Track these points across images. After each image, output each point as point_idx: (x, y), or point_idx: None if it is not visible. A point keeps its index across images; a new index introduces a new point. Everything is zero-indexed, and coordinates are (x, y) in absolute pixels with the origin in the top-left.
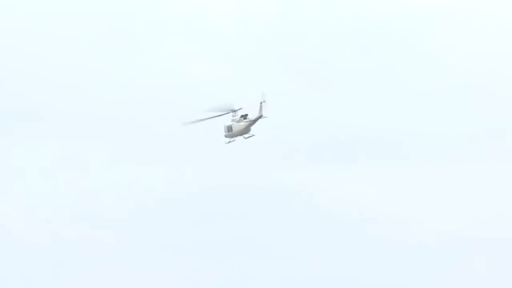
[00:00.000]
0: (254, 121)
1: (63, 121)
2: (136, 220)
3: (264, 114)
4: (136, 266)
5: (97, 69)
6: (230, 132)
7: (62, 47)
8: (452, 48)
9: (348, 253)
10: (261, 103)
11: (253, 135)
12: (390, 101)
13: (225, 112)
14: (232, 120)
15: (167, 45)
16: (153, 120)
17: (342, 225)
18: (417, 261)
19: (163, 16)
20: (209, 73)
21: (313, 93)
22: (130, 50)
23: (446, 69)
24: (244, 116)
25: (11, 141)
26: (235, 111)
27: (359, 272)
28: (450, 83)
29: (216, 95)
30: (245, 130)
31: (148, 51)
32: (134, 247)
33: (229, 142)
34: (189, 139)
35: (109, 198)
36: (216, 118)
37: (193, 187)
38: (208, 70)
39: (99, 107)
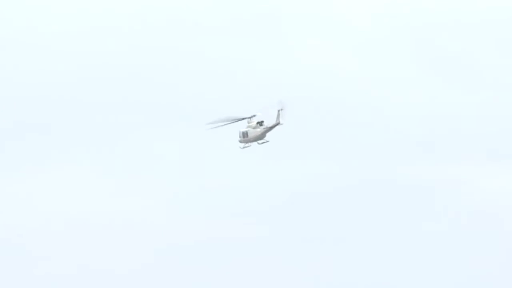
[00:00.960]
0: (271, 128)
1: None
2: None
3: (281, 121)
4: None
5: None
6: (246, 138)
7: None
8: None
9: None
10: (279, 110)
11: (267, 141)
12: None
13: (240, 119)
14: (248, 127)
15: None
16: None
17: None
18: None
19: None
20: (337, 65)
21: (447, 87)
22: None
23: None
24: (260, 123)
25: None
26: (250, 117)
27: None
28: None
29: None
30: (261, 137)
31: (275, 44)
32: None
33: (244, 147)
34: None
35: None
36: (231, 124)
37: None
38: (336, 62)
39: None
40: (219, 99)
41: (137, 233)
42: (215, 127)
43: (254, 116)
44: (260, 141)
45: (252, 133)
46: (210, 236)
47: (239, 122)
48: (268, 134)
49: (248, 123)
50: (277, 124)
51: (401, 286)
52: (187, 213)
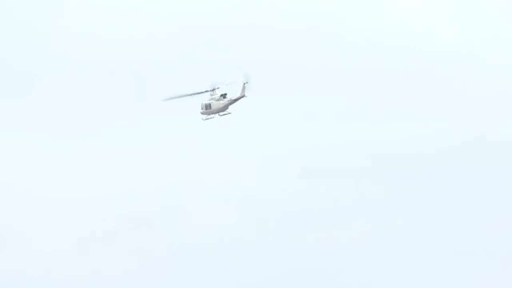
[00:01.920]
0: (235, 100)
1: None
2: None
3: (246, 94)
4: None
5: None
6: (208, 110)
7: None
8: None
9: None
10: (244, 83)
11: (230, 113)
12: None
13: (203, 91)
14: (211, 99)
15: None
16: None
17: None
18: None
19: None
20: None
21: None
22: None
23: None
24: (224, 95)
25: None
26: (213, 90)
27: None
28: None
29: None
30: (223, 109)
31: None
32: None
33: (206, 119)
34: None
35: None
36: (193, 96)
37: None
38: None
39: None
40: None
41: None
42: (173, 99)
43: (218, 88)
44: (221, 113)
45: (215, 105)
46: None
47: (201, 94)
48: (231, 106)
49: (211, 95)
50: (242, 96)
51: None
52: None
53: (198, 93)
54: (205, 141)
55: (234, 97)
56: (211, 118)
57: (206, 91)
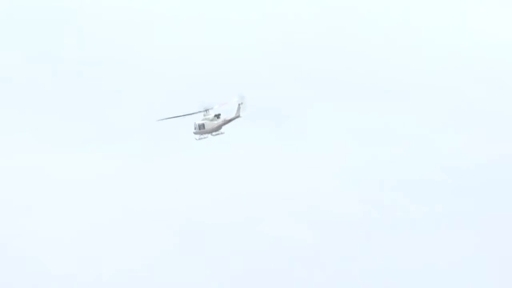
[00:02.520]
0: (230, 120)
1: None
2: None
3: (241, 115)
4: None
5: None
6: (202, 130)
7: None
8: None
9: None
10: (239, 104)
11: (222, 133)
12: None
13: (197, 111)
14: (205, 119)
15: None
16: None
17: None
18: None
19: None
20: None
21: None
22: None
23: None
24: (218, 116)
25: None
26: (206, 110)
27: None
28: None
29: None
30: (217, 129)
31: None
32: None
33: (199, 138)
34: None
35: None
36: (186, 116)
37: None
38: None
39: None
40: None
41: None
42: (166, 119)
43: (211, 109)
44: (214, 133)
45: (209, 125)
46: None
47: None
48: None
49: (204, 115)
50: (237, 117)
51: None
52: None
53: (191, 113)
54: (276, 154)
55: (229, 118)
56: (204, 138)
57: (199, 111)
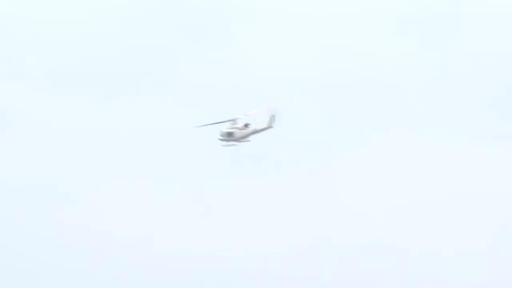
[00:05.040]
0: (260, 130)
1: None
2: None
3: (273, 125)
4: None
5: None
6: (230, 138)
7: None
8: None
9: None
10: (272, 115)
11: (249, 140)
12: None
13: (226, 120)
14: (234, 127)
15: None
16: None
17: None
18: None
19: None
20: None
21: None
22: None
23: None
24: (246, 125)
25: None
26: (234, 120)
27: None
28: None
29: None
30: (245, 137)
31: None
32: None
33: (227, 145)
34: None
35: None
36: (216, 124)
37: None
38: None
39: None
40: None
41: None
42: (202, 127)
43: (238, 118)
44: (242, 140)
45: (238, 134)
46: None
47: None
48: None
49: (233, 124)
50: (269, 127)
51: None
52: None
53: (220, 122)
54: None
55: (259, 128)
56: (232, 145)
57: (228, 120)
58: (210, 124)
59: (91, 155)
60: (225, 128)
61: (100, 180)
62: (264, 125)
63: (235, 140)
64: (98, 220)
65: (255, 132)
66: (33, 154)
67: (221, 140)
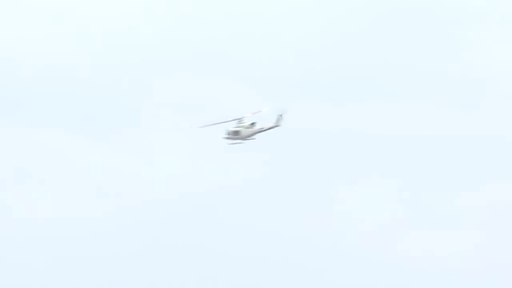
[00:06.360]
0: (267, 129)
1: None
2: None
3: (280, 125)
4: None
5: None
6: (237, 136)
7: None
8: None
9: None
10: (280, 115)
11: (254, 138)
12: None
13: (232, 119)
14: (240, 126)
15: None
16: None
17: None
18: None
19: None
20: None
21: None
22: None
23: None
24: (253, 124)
25: None
26: (239, 119)
27: None
28: None
29: None
30: (251, 136)
31: None
32: None
33: (233, 143)
34: None
35: None
36: (222, 124)
37: None
38: None
39: None
40: None
41: None
42: (205, 127)
43: (244, 117)
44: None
45: (244, 132)
46: None
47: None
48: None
49: (239, 123)
50: (276, 126)
51: None
52: None
53: (226, 121)
54: None
55: (266, 126)
56: (237, 143)
57: (234, 119)
58: (216, 123)
59: None
60: (231, 127)
61: None
62: (271, 124)
63: (241, 138)
64: None
65: (262, 130)
66: None
67: (227, 138)
